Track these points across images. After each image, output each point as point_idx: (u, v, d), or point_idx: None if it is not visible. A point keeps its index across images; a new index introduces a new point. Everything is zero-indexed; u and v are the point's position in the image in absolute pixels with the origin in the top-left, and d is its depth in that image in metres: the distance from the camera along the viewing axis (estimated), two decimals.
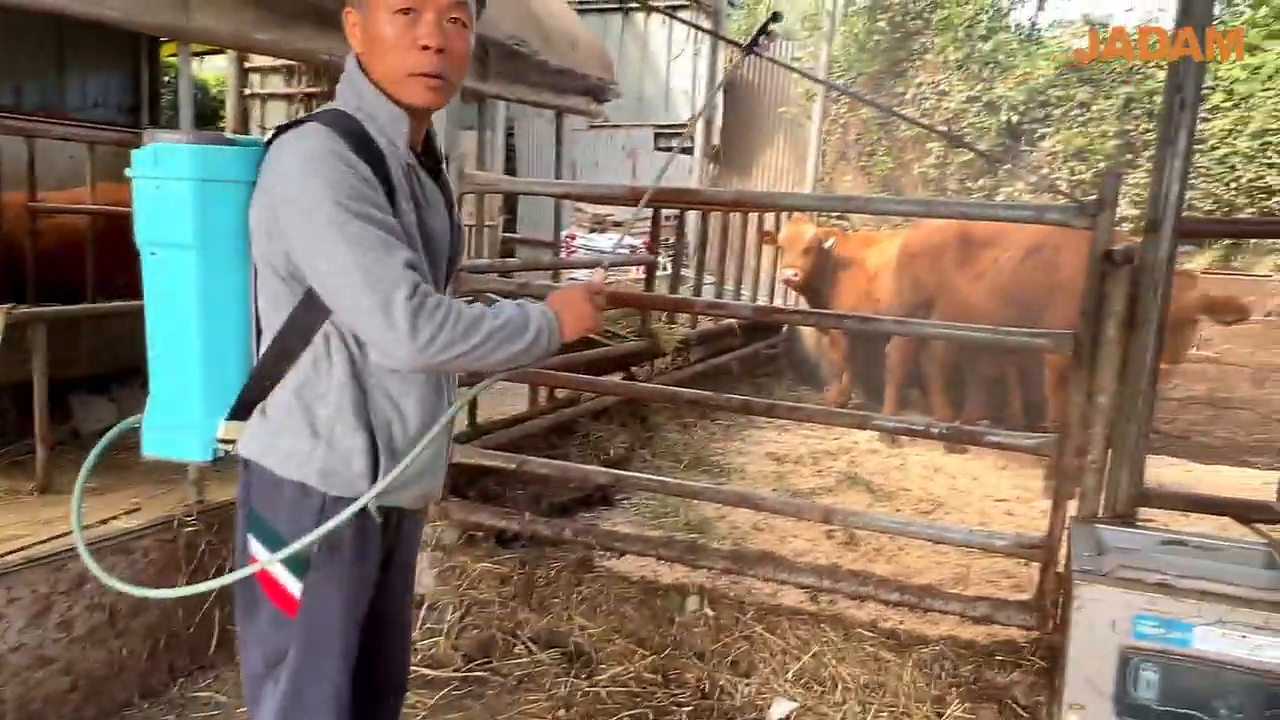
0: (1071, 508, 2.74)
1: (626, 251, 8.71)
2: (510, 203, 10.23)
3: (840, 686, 2.88)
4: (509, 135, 9.65)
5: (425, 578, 3.47)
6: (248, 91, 7.08)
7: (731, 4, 9.60)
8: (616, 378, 5.90)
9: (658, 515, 4.53)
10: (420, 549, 3.50)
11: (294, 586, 1.54)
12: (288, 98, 7.00)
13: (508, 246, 10.58)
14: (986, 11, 8.74)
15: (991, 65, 8.52)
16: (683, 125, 9.41)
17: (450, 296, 1.67)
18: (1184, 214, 2.62)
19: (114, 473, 3.14)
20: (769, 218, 7.32)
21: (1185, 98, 2.56)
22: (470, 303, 1.51)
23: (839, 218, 8.92)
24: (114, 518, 2.84)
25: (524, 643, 3.19)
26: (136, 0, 2.51)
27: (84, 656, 2.60)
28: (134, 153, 1.49)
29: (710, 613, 3.13)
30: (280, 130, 1.50)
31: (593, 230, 9.33)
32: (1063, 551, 2.68)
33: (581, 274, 7.90)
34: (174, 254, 1.50)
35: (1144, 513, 2.82)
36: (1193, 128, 2.60)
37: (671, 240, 7.13)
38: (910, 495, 5.10)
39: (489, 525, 3.52)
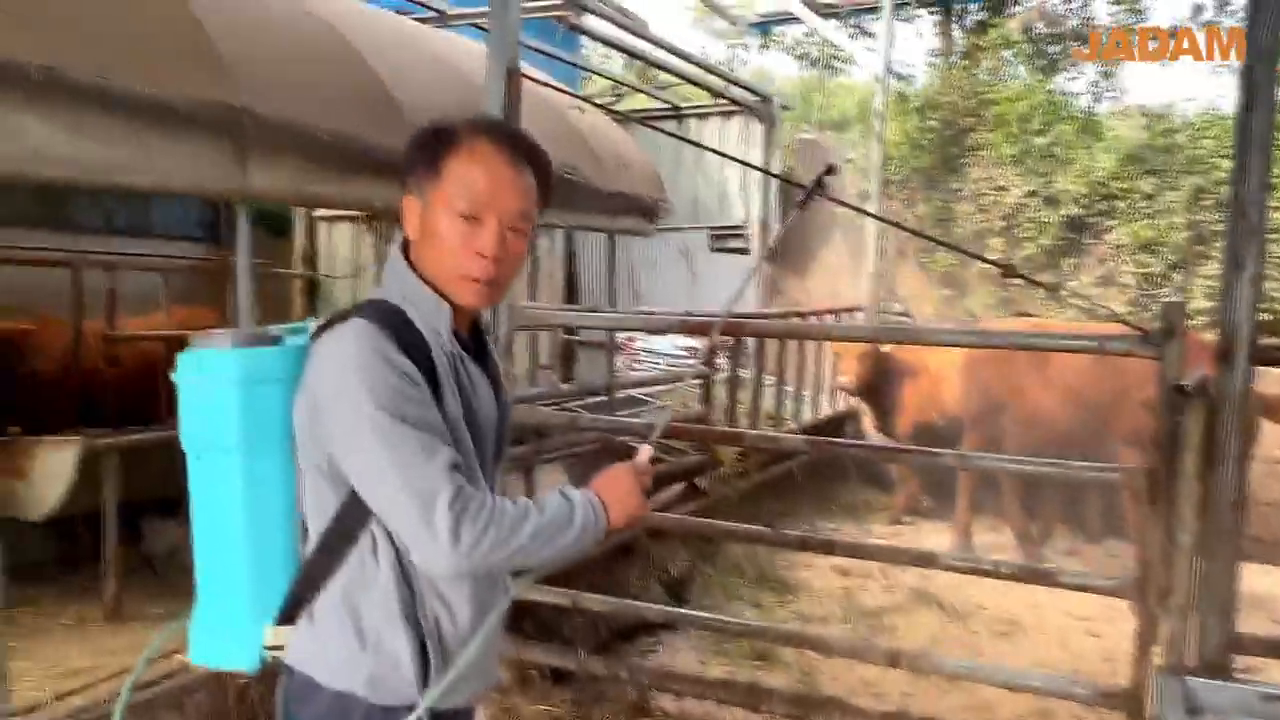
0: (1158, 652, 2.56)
1: (685, 354, 8.74)
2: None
3: None
4: (569, 256, 9.86)
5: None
6: (316, 214, 7.37)
7: (785, 108, 9.73)
8: (676, 491, 5.85)
9: (721, 641, 4.39)
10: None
11: None
12: (353, 219, 7.25)
13: (568, 348, 10.74)
14: (1041, 106, 8.69)
15: (1049, 158, 8.43)
16: (737, 227, 9.49)
17: (497, 483, 1.64)
18: (1258, 342, 2.49)
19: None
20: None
21: (1251, 221, 2.45)
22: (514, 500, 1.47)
23: (901, 313, 8.81)
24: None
25: None
26: (199, 172, 2.63)
27: None
28: (179, 356, 1.51)
29: None
30: (325, 326, 1.51)
31: (652, 333, 9.38)
32: (1149, 704, 2.49)
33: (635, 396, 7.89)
34: (218, 457, 1.50)
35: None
36: (1262, 251, 2.49)
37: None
38: (985, 615, 4.87)
39: (543, 663, 3.44)
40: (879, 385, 6.50)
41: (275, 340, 1.57)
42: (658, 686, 3.27)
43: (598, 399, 5.32)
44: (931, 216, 8.88)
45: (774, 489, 6.38)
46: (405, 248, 1.56)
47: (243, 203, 2.83)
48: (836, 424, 7.80)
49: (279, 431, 1.51)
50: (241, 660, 1.54)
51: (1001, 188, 8.39)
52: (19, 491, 4.34)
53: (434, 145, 1.50)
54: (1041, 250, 8.25)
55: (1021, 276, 2.87)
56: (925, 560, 2.75)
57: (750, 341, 7.05)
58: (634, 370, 8.70)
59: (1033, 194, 8.29)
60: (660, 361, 8.86)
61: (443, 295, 1.51)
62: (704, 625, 3.22)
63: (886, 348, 6.31)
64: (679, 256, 10.15)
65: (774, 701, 3.06)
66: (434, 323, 1.50)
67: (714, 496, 5.72)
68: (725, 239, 9.54)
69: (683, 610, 3.32)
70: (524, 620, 3.92)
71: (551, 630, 4.01)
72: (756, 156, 9.04)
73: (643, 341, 9.03)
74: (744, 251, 9.43)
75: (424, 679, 1.48)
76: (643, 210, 4.86)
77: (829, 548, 2.97)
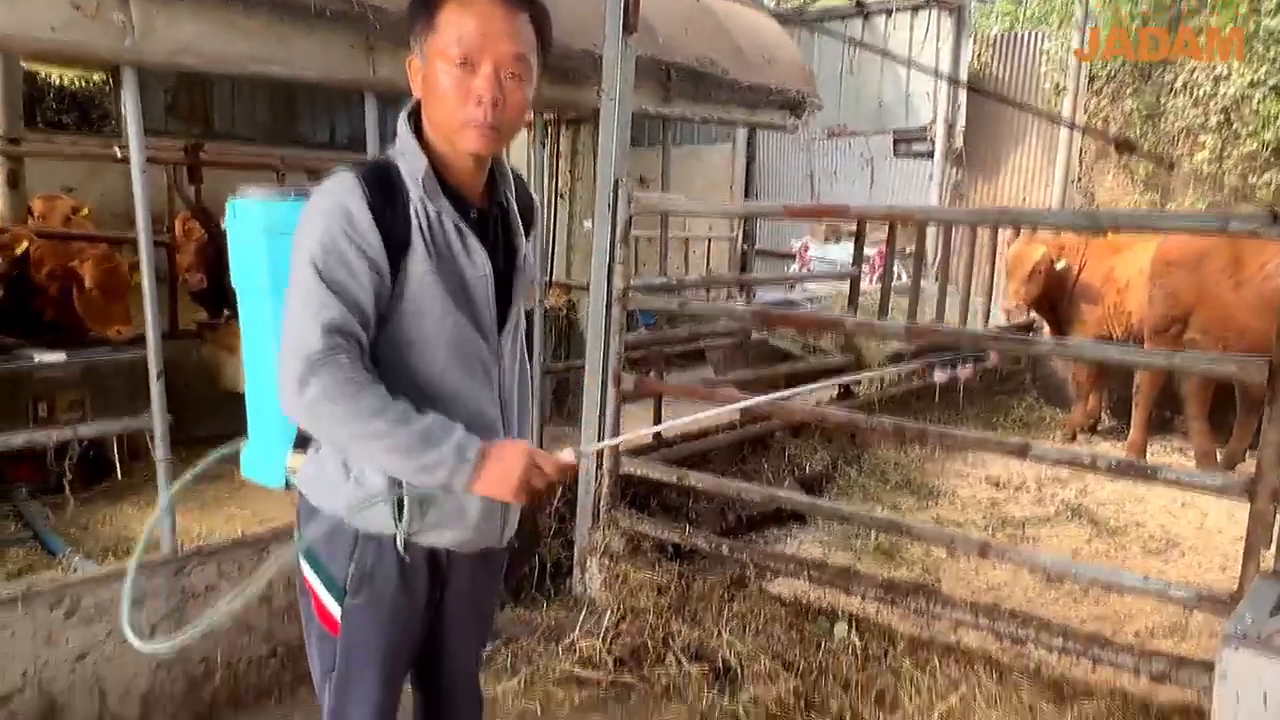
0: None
1: (866, 263, 8.52)
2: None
3: None
4: (748, 162, 9.76)
5: (594, 582, 3.65)
6: None
7: None
8: (827, 395, 5.82)
9: (849, 536, 4.41)
10: (590, 554, 3.71)
11: (334, 609, 1.67)
12: None
13: (744, 259, 10.70)
14: None
15: None
16: (922, 130, 9.01)
17: (511, 340, 1.74)
18: None
19: None
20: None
21: None
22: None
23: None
24: None
25: (674, 653, 3.26)
26: (329, 63, 2.90)
27: (282, 627, 3.01)
28: (227, 205, 1.75)
29: (858, 641, 3.04)
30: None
31: (827, 240, 9.18)
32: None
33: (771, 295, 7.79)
34: (256, 299, 1.73)
35: None
36: None
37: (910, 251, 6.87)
38: (1140, 533, 4.58)
39: (653, 536, 3.63)
40: (1055, 303, 6.10)
41: (306, 195, 1.74)
42: (757, 564, 3.38)
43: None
44: (1140, 112, 8.03)
45: (929, 398, 6.19)
46: (414, 110, 1.64)
47: (370, 92, 3.08)
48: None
49: None
50: (272, 478, 1.79)
51: (1222, 77, 7.43)
52: (230, 367, 5.02)
53: (429, 0, 1.57)
54: (1264, 146, 7.29)
55: (1134, 151, 2.62)
56: (1018, 451, 2.65)
57: (921, 243, 6.77)
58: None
59: (1258, 83, 7.28)
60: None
61: (452, 151, 1.60)
62: (818, 512, 3.26)
63: (1060, 265, 5.89)
64: (861, 163, 9.81)
65: (864, 584, 3.10)
66: (415, 175, 1.58)
67: (863, 399, 5.66)
68: (909, 142, 9.11)
69: (792, 494, 3.38)
70: (650, 498, 4.13)
71: (677, 512, 4.20)
72: (946, 54, 8.52)
73: (817, 248, 8.88)
74: (929, 156, 8.98)
75: (398, 514, 1.61)
76: (787, 104, 4.76)
77: (921, 436, 2.92)
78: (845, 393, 5.71)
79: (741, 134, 10.44)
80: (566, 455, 1.60)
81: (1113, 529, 4.62)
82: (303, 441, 1.71)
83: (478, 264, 1.64)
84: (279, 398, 1.50)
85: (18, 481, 4.35)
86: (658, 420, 4.41)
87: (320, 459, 1.67)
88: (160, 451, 2.70)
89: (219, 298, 5.58)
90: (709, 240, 9.55)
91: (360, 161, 1.62)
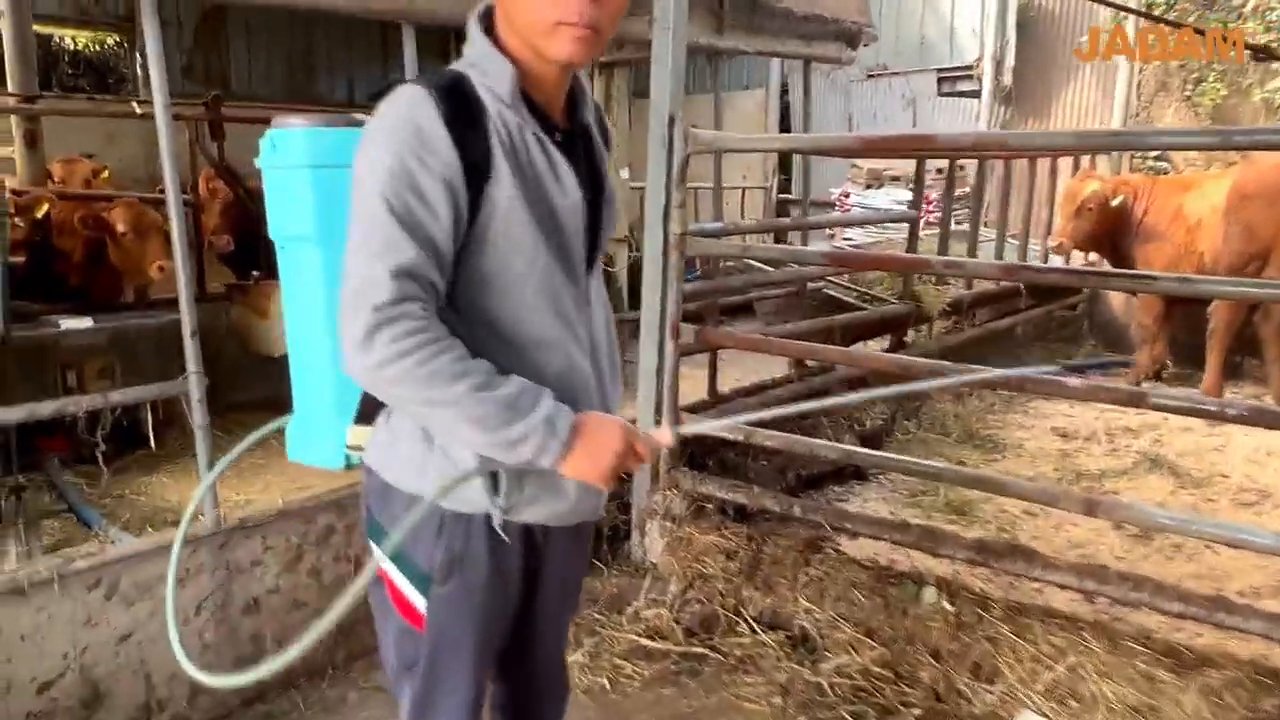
0: None
1: (904, 209, 8.18)
2: (784, 161, 9.98)
3: (1103, 706, 2.47)
4: (783, 102, 9.39)
5: (654, 547, 3.45)
6: None
7: None
8: (877, 344, 5.57)
9: (915, 493, 4.19)
10: (650, 517, 3.51)
11: (419, 601, 1.47)
12: None
13: (781, 208, 10.37)
14: None
15: None
16: (967, 67, 8.60)
17: (591, 282, 1.52)
18: None
19: None
20: (1066, 164, 6.49)
21: None
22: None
23: (1157, 158, 7.73)
24: None
25: (747, 621, 3.07)
26: None
27: (334, 602, 2.83)
28: (261, 141, 1.49)
29: (949, 607, 2.81)
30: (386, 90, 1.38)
31: (869, 186, 8.84)
32: None
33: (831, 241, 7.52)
34: (299, 248, 1.47)
35: None
36: None
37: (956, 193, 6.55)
38: (1228, 484, 4.32)
39: (718, 497, 3.42)
40: (1116, 242, 5.76)
41: (355, 123, 1.50)
42: (833, 525, 3.16)
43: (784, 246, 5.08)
44: (1204, 41, 7.59)
45: (990, 346, 5.93)
46: (486, 13, 1.41)
47: (408, 23, 2.82)
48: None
49: None
50: (328, 459, 1.55)
51: None
52: (260, 330, 4.83)
53: None
54: None
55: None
56: (1132, 400, 2.40)
57: (972, 182, 6.45)
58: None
59: None
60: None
61: (536, 59, 1.36)
62: (885, 466, 3.03)
63: (1116, 201, 5.54)
64: (903, 104, 9.42)
65: (954, 546, 2.87)
66: (497, 86, 1.35)
67: (921, 349, 5.40)
68: (954, 81, 8.70)
69: (864, 450, 3.15)
70: (707, 459, 3.92)
71: (735, 472, 3.99)
72: None
73: (857, 196, 8.55)
74: (975, 95, 8.57)
75: (494, 488, 1.40)
76: (842, 35, 4.45)
77: (1017, 385, 2.68)
78: (900, 343, 5.46)
79: (775, 78, 10.09)
80: (663, 435, 1.42)
81: (1196, 480, 4.36)
82: (367, 413, 1.48)
83: (568, 190, 1.41)
84: (342, 356, 1.27)
85: (50, 452, 4.20)
86: (713, 374, 4.19)
87: (393, 428, 1.44)
88: (199, 417, 2.50)
89: (248, 258, 5.38)
90: (743, 190, 9.26)
91: (421, 75, 1.38)
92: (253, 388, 4.13)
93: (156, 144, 2.39)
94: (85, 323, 4.36)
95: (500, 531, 1.43)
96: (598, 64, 6.66)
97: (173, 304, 2.57)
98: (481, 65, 1.37)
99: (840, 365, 4.37)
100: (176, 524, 2.17)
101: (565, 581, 1.65)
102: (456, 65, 1.40)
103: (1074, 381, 2.25)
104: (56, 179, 5.92)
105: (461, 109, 1.31)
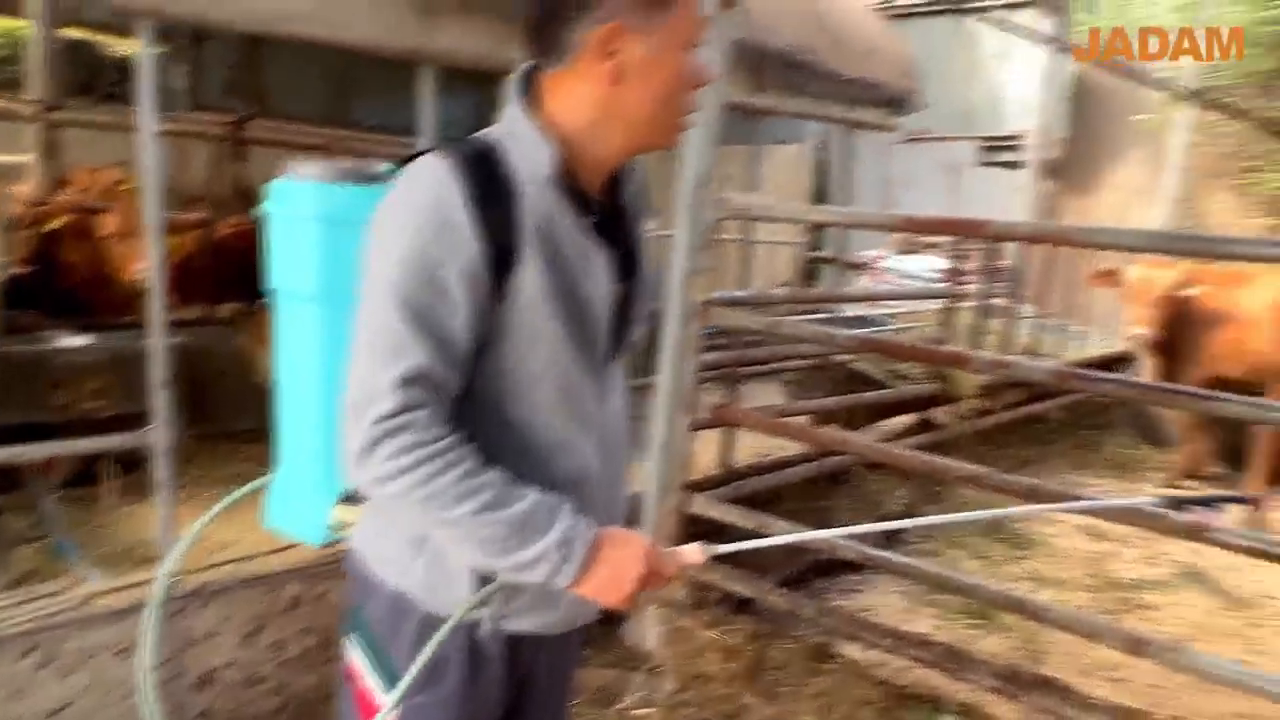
0: None
1: (937, 276, 7.92)
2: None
3: None
4: (817, 166, 9.22)
5: (649, 635, 3.20)
6: None
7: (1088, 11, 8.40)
8: (906, 421, 5.32)
9: (933, 592, 3.92)
10: (647, 602, 3.26)
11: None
12: None
13: (810, 267, 10.15)
14: None
15: None
16: (1011, 137, 8.40)
17: (614, 374, 1.37)
18: None
19: None
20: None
21: None
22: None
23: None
24: None
25: None
26: (377, 25, 2.47)
27: (295, 679, 2.61)
28: (269, 187, 1.35)
29: None
30: (410, 159, 1.25)
31: (904, 252, 8.62)
32: None
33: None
34: (298, 305, 1.33)
35: None
36: None
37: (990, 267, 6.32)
38: (1275, 607, 4.01)
39: (722, 587, 3.17)
40: (1172, 333, 5.50)
41: (373, 178, 1.35)
42: (845, 634, 2.91)
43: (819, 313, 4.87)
44: (1265, 130, 7.35)
45: (1023, 433, 5.66)
46: (527, 78, 1.24)
47: (427, 65, 2.65)
48: (1104, 366, 6.80)
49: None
50: (308, 533, 1.41)
51: None
52: (263, 359, 4.67)
53: None
54: None
55: None
56: (1191, 532, 2.15)
57: (1010, 261, 6.22)
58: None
59: None
60: (910, 285, 8.10)
61: (611, 149, 1.24)
62: (906, 573, 2.79)
63: (1184, 292, 5.29)
64: (942, 171, 9.21)
65: (978, 670, 2.61)
66: (535, 168, 1.19)
67: (949, 433, 5.14)
68: (997, 151, 8.50)
69: (885, 554, 2.90)
70: (714, 539, 3.67)
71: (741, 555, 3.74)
72: (1042, 56, 7.89)
73: (893, 260, 8.32)
74: (1018, 166, 8.35)
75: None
76: (888, 101, 4.26)
77: (1057, 497, 2.44)
78: (925, 424, 5.21)
79: (815, 133, 9.92)
80: (693, 554, 1.29)
81: (1238, 600, 4.05)
82: (355, 494, 1.34)
83: (598, 279, 1.26)
84: (343, 466, 1.17)
85: (36, 473, 4.03)
86: (727, 447, 3.96)
87: (385, 523, 1.31)
88: (162, 471, 2.30)
89: (253, 284, 5.24)
90: (772, 245, 9.05)
91: (448, 143, 1.21)
92: (253, 416, 3.95)
93: (183, 158, 2.27)
94: (82, 340, 4.22)
95: (485, 641, 1.30)
96: None
97: (181, 327, 2.42)
98: (519, 138, 1.21)
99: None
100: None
101: (553, 690, 1.48)
102: (492, 132, 1.24)
103: (1185, 517, 2.02)
104: (78, 188, 5.82)
105: (490, 187, 1.16)
